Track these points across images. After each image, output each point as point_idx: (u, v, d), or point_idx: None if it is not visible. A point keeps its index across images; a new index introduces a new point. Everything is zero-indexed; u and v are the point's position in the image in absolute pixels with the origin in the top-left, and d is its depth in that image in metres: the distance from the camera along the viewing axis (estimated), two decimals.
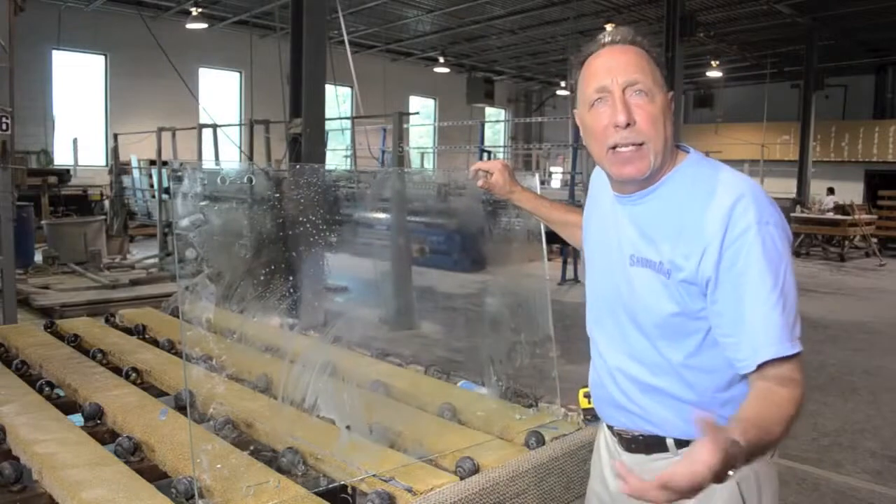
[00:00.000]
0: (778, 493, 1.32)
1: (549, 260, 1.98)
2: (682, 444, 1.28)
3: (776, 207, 1.20)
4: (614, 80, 1.22)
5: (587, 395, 1.61)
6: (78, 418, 1.79)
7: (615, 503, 1.41)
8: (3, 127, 4.64)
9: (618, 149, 1.24)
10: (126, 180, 12.92)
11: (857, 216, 14.45)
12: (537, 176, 2.13)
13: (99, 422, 1.77)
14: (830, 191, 16.63)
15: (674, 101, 1.29)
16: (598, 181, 1.44)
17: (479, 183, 1.72)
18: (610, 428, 1.42)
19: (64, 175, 11.71)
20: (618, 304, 1.33)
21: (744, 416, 1.10)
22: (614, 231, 1.34)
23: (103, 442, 1.63)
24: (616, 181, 1.32)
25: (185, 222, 1.39)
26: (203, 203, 1.41)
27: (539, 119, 22.04)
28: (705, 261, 1.17)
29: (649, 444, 1.32)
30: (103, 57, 15.86)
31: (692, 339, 1.24)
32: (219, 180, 1.50)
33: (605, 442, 1.46)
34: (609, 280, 1.36)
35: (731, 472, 0.98)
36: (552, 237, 1.86)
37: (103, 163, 15.15)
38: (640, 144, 1.22)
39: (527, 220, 1.90)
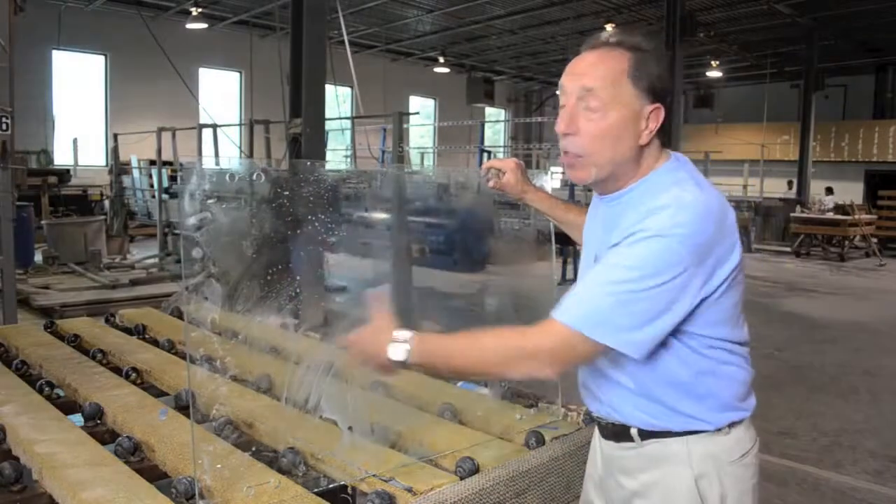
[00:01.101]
0: (750, 494, 1.31)
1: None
2: (645, 434, 1.30)
3: (709, 228, 1.17)
4: (570, 88, 1.27)
5: None
6: (78, 418, 1.78)
7: (603, 483, 1.43)
8: (3, 127, 4.64)
9: (565, 154, 1.30)
10: (126, 180, 12.91)
11: (857, 216, 14.45)
12: (549, 175, 2.11)
13: (99, 422, 1.77)
14: (829, 190, 16.66)
15: (656, 113, 1.25)
16: None
17: (491, 183, 1.69)
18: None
19: (64, 175, 11.69)
20: None
21: (439, 335, 1.26)
22: (592, 229, 1.41)
23: (103, 442, 1.63)
24: None
25: (191, 221, 1.38)
26: (210, 201, 1.41)
27: (539, 119, 22.06)
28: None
29: (617, 433, 1.35)
30: (103, 57, 15.86)
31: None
32: (227, 178, 1.50)
33: (597, 426, 1.50)
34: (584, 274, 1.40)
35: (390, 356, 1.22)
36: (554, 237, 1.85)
37: (103, 163, 15.15)
38: (580, 157, 1.27)
39: (531, 220, 1.89)
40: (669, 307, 1.16)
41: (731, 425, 1.29)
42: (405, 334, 1.22)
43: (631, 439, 1.32)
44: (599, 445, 1.45)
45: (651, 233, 1.15)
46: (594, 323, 1.16)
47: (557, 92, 1.36)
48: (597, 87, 1.23)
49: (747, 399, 1.32)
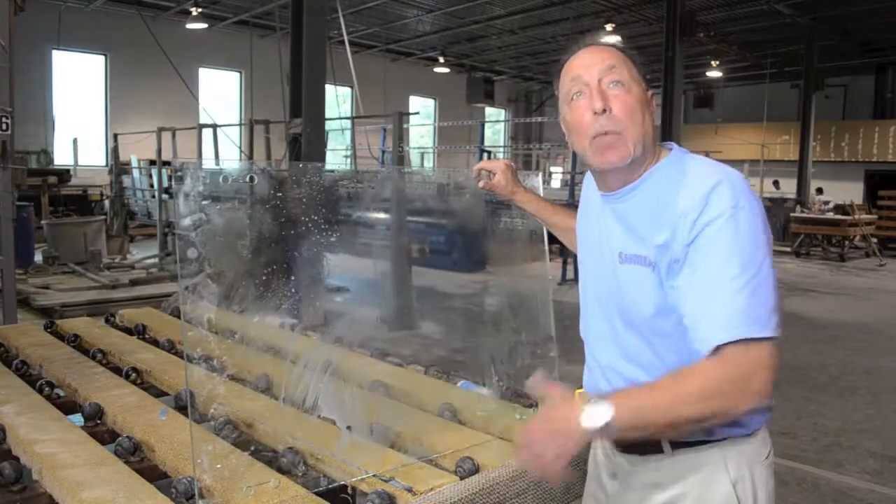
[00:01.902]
0: (773, 493, 1.31)
1: (550, 260, 1.98)
2: (677, 445, 1.27)
3: (754, 196, 1.20)
4: (591, 73, 1.27)
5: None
6: (78, 418, 1.78)
7: (618, 502, 1.40)
8: (3, 127, 4.64)
9: (597, 138, 1.26)
10: (126, 180, 12.92)
11: (857, 216, 14.45)
12: (540, 176, 2.12)
13: (99, 422, 1.77)
14: (819, 191, 16.68)
15: (654, 100, 1.31)
16: (590, 184, 1.46)
17: (481, 184, 1.72)
18: None
19: (64, 175, 11.70)
20: (610, 305, 1.33)
21: (640, 387, 1.15)
22: (604, 231, 1.35)
23: (103, 442, 1.63)
24: (600, 176, 1.35)
25: (186, 222, 1.38)
26: (205, 202, 1.41)
27: (539, 119, 22.03)
28: (676, 243, 1.18)
29: (644, 445, 1.31)
30: (103, 57, 15.86)
31: (685, 335, 1.22)
32: (221, 179, 1.50)
33: (600, 443, 1.45)
34: (600, 280, 1.36)
35: (591, 426, 1.07)
36: (553, 237, 1.85)
37: (103, 163, 15.16)
38: (619, 133, 1.24)
39: (528, 220, 1.90)
40: (773, 277, 1.17)
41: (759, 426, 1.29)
42: (601, 402, 1.09)
43: (661, 451, 1.29)
44: (608, 462, 1.41)
45: (729, 212, 1.15)
46: (748, 323, 1.11)
47: (557, 92, 1.34)
48: (616, 64, 1.27)
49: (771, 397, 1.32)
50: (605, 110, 1.23)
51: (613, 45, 1.31)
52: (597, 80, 1.26)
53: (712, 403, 1.10)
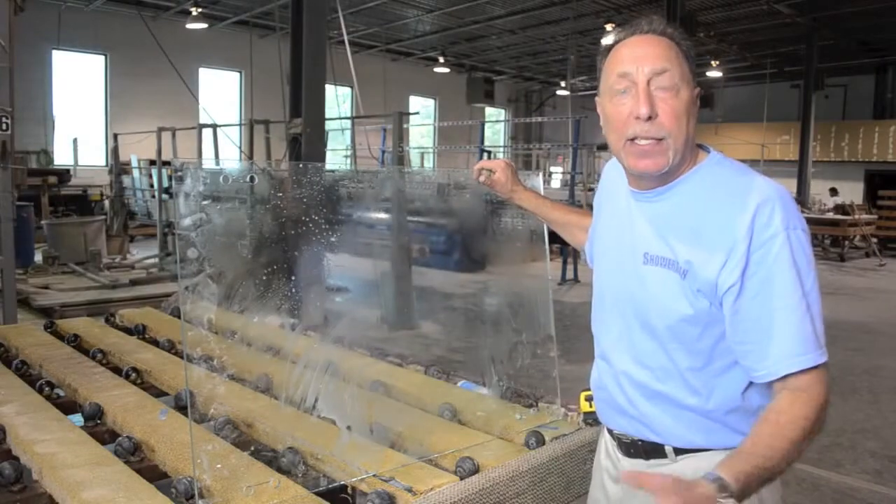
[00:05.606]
0: (781, 503, 1.30)
1: (550, 260, 1.98)
2: (680, 451, 1.26)
3: (800, 213, 1.18)
4: (640, 69, 1.19)
5: (588, 399, 1.60)
6: (78, 418, 1.79)
7: None
8: (3, 127, 4.64)
9: (636, 140, 1.20)
10: (126, 180, 12.92)
11: (857, 216, 14.45)
12: (541, 175, 2.12)
13: (99, 422, 1.77)
14: (833, 191, 16.60)
15: (699, 98, 1.25)
16: (613, 175, 1.40)
17: (482, 179, 1.72)
18: (610, 432, 1.40)
19: (64, 175, 11.71)
20: (627, 305, 1.30)
21: (742, 449, 1.09)
22: (628, 228, 1.31)
23: (103, 442, 1.63)
24: (632, 175, 1.29)
25: (186, 222, 1.39)
26: (205, 202, 1.41)
27: (539, 119, 22.02)
28: (729, 266, 1.14)
29: (648, 451, 1.30)
30: (103, 57, 15.86)
31: (704, 343, 1.21)
32: (221, 179, 1.50)
33: (605, 447, 1.44)
34: (619, 279, 1.32)
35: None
36: (553, 237, 1.85)
37: (103, 163, 15.15)
38: (661, 140, 1.18)
39: (529, 220, 1.90)
40: (820, 296, 1.18)
41: None
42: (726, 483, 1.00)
43: (664, 456, 1.28)
44: (611, 466, 1.40)
45: (783, 234, 1.13)
46: (815, 348, 1.16)
47: (598, 72, 1.27)
48: (669, 67, 1.19)
49: None
50: (650, 117, 1.17)
51: (669, 36, 1.23)
52: (646, 81, 1.18)
53: (812, 439, 1.13)
